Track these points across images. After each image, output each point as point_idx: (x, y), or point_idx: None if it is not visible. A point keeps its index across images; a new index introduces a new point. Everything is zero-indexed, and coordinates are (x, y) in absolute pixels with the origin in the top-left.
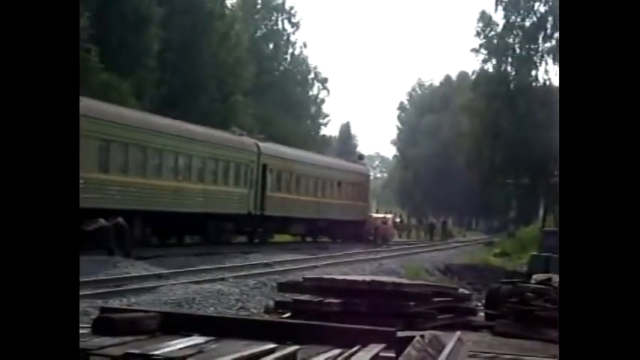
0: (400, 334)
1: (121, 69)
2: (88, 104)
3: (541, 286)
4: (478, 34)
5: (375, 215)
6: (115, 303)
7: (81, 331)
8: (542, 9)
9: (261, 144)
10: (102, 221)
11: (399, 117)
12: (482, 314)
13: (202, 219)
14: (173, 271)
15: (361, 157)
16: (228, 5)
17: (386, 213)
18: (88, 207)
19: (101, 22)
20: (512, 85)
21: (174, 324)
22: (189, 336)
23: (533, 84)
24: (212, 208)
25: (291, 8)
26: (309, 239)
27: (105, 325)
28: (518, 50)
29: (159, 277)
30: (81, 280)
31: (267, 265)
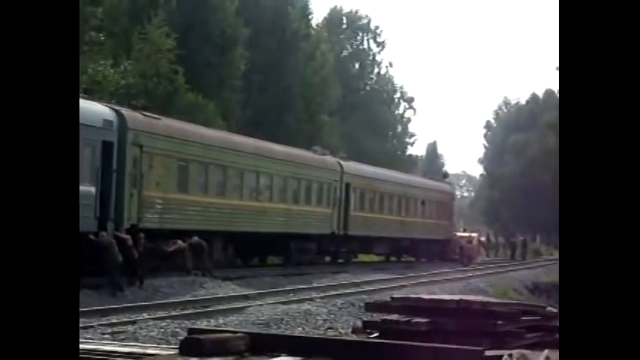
0: (488, 353)
1: (207, 90)
2: (167, 123)
3: None
4: None
5: (459, 234)
6: (202, 324)
7: (169, 352)
8: None
9: (343, 163)
10: (180, 242)
11: (485, 135)
12: None
13: (285, 239)
14: (261, 291)
15: (446, 175)
16: (314, 25)
17: (472, 232)
18: (167, 228)
19: (187, 43)
20: None
21: (262, 345)
22: (277, 357)
23: None
24: (294, 228)
25: (377, 28)
26: (393, 259)
27: (193, 346)
28: None
29: (246, 297)
30: (168, 301)
31: (355, 284)
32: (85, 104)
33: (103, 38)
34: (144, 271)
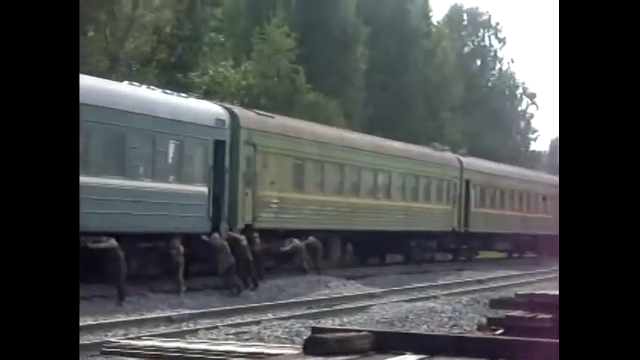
0: None
1: (329, 89)
2: (281, 122)
3: None
4: None
5: None
6: (327, 323)
7: (293, 352)
8: None
9: (463, 159)
10: (296, 241)
11: None
12: None
13: (404, 237)
14: (385, 290)
15: None
16: (434, 22)
17: None
18: (283, 227)
19: (308, 43)
20: None
21: (387, 343)
22: (401, 355)
23: None
24: (414, 225)
25: (497, 24)
26: (515, 255)
27: (317, 345)
28: None
29: (371, 296)
30: (292, 300)
31: (480, 281)
32: (196, 104)
33: (223, 39)
34: (260, 271)
